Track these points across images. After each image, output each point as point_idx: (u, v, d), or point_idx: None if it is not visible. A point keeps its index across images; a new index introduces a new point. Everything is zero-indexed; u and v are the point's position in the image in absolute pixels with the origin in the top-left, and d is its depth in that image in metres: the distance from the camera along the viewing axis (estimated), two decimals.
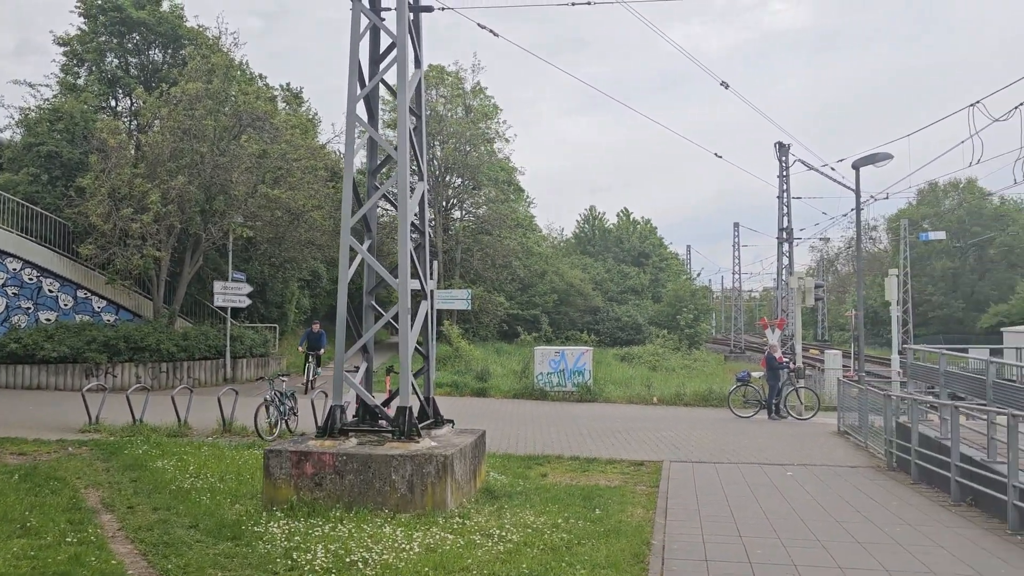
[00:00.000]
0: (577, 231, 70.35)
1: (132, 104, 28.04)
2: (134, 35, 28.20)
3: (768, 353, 20.84)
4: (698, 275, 78.46)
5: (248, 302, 25.55)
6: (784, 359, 21.14)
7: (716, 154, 59.32)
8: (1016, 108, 13.66)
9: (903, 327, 51.80)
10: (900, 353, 23.15)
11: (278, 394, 14.67)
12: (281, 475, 8.70)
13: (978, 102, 14.25)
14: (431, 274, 26.26)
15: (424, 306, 10.32)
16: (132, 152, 24.38)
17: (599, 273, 58.98)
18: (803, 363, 24.33)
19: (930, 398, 13.24)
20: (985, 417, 10.29)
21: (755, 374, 21.37)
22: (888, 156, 19.24)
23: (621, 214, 70.13)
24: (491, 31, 16.30)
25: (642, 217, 69.96)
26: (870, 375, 26.38)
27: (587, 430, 17.06)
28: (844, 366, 27.23)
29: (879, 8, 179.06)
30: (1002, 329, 44.00)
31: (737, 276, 67.42)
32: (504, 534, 7.62)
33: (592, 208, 69.80)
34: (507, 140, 49.44)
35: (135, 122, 27.37)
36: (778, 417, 19.90)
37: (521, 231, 51.44)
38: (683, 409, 22.26)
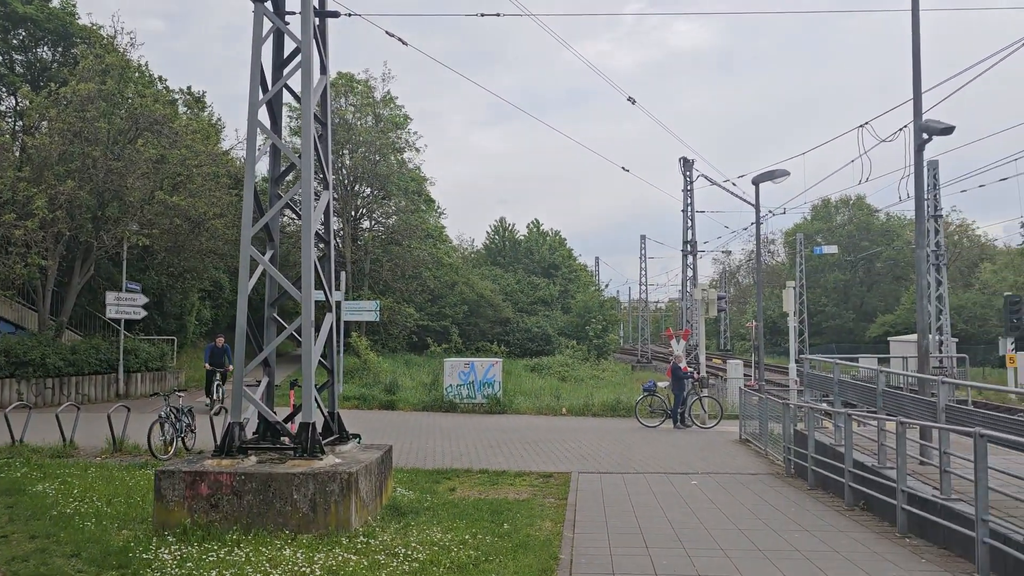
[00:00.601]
0: (488, 242, 70.45)
1: (17, 104, 26.48)
2: (20, 31, 26.67)
3: (673, 363, 21.27)
4: (606, 286, 79.87)
5: (144, 313, 24.42)
6: (689, 369, 21.62)
7: (624, 168, 60.76)
8: (901, 130, 14.39)
9: (799, 337, 53.93)
10: (797, 362, 24.01)
11: (174, 410, 14.00)
12: (174, 497, 8.26)
13: (866, 123, 14.96)
14: (338, 285, 25.76)
15: (329, 318, 10.03)
16: (16, 154, 22.98)
17: (509, 284, 59.17)
18: (707, 373, 24.96)
19: (825, 406, 13.74)
20: (875, 424, 10.73)
21: (661, 384, 21.78)
22: (785, 173, 19.98)
23: (531, 225, 70.62)
24: (400, 39, 16.14)
25: (552, 229, 70.65)
26: (770, 384, 27.31)
27: (497, 442, 16.99)
28: (745, 375, 28.11)
29: (772, 34, 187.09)
30: (889, 339, 46.44)
31: (644, 287, 68.96)
32: (410, 553, 7.44)
33: (503, 219, 70.15)
34: (417, 150, 49.16)
35: (20, 123, 25.85)
36: (683, 426, 20.31)
37: (431, 242, 51.12)
38: (592, 419, 22.47)
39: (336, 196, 42.80)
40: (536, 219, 73.15)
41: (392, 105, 47.56)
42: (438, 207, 56.47)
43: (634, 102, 21.40)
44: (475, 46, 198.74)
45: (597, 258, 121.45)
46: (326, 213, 10.36)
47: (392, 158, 45.36)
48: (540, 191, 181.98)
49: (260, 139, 9.61)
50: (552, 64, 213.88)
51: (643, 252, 67.85)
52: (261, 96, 9.57)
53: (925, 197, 34.43)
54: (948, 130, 11.15)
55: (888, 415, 10.57)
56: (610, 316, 56.92)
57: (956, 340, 39.86)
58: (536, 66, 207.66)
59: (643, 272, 67.82)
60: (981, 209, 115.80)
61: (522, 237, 69.33)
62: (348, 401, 23.52)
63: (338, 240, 42.81)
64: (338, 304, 25.26)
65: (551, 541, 8.31)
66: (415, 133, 48.97)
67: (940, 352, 33.78)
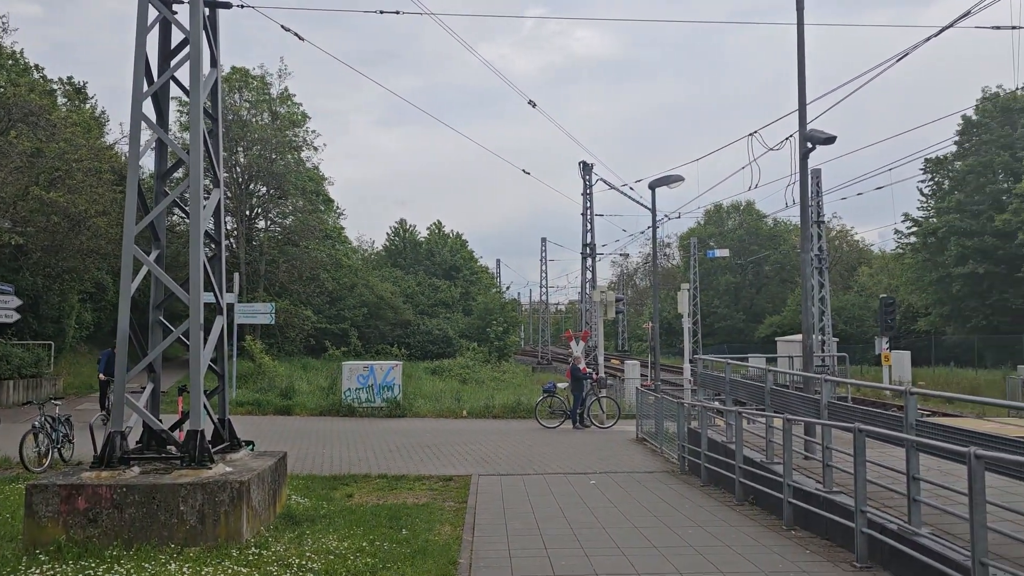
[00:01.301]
0: (388, 244, 69.71)
1: None
2: None
3: (572, 364, 21.55)
4: (507, 288, 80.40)
5: (17, 317, 22.88)
6: (588, 370, 21.94)
7: (524, 171, 61.25)
8: (787, 139, 15.02)
9: (693, 337, 55.67)
10: (691, 362, 24.73)
11: (49, 419, 13.16)
12: (47, 513, 7.74)
13: (755, 132, 15.55)
14: (230, 287, 24.87)
15: (219, 321, 9.63)
16: None
17: (410, 286, 58.70)
18: (605, 373, 25.41)
19: (717, 405, 14.19)
20: (764, 421, 11.13)
21: (560, 385, 22.03)
22: (680, 178, 20.55)
23: (433, 227, 70.32)
24: (296, 34, 15.71)
25: (454, 231, 70.54)
26: (665, 384, 28.04)
27: (396, 446, 16.78)
28: (642, 375, 28.76)
29: (668, 43, 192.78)
30: (776, 338, 48.54)
31: (545, 289, 69.65)
32: (304, 563, 7.21)
33: (403, 221, 69.54)
34: (315, 149, 48.15)
35: None
36: (582, 426, 20.59)
37: (330, 243, 50.17)
38: (492, 421, 22.49)
39: (229, 195, 41.38)
40: (438, 221, 72.79)
41: (289, 102, 46.43)
42: (337, 207, 55.50)
43: (535, 105, 21.59)
44: (376, 45, 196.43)
45: (499, 260, 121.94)
46: (217, 212, 9.96)
47: (289, 156, 44.28)
48: (442, 193, 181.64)
49: (146, 133, 9.15)
50: (454, 66, 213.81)
51: (544, 254, 68.62)
52: (146, 88, 9.11)
53: (809, 203, 36.17)
54: (830, 140, 11.70)
55: (776, 412, 10.98)
56: (511, 318, 57.27)
57: (837, 340, 42.01)
58: (438, 67, 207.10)
59: (544, 274, 68.72)
60: (859, 216, 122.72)
61: (423, 239, 68.96)
62: (241, 407, 22.76)
63: (231, 240, 41.42)
64: (230, 306, 24.41)
65: (450, 545, 8.24)
66: (313, 131, 47.86)
67: (823, 351, 35.50)
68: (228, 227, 43.13)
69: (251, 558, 7.34)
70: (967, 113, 51.21)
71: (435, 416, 23.38)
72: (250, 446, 10.31)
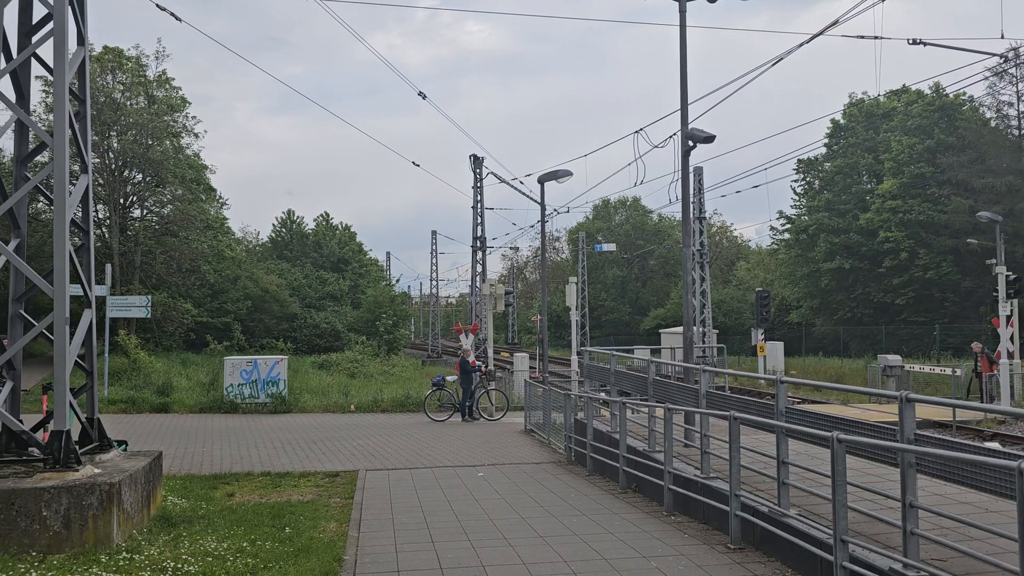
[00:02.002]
0: (274, 235, 67.78)
1: None
2: None
3: (462, 357, 21.59)
4: (398, 281, 79.52)
5: None
6: (477, 363, 22.03)
7: (414, 163, 60.68)
8: (671, 137, 15.52)
9: (581, 330, 56.82)
10: (578, 354, 25.20)
11: None
12: None
13: (641, 130, 15.97)
14: (101, 279, 23.56)
15: (88, 315, 9.11)
16: None
17: (297, 279, 57.30)
18: (494, 366, 25.59)
19: (603, 395, 14.53)
20: (647, 411, 11.48)
21: (449, 378, 22.03)
22: (568, 173, 20.85)
23: (320, 219, 68.84)
24: (173, 15, 14.97)
25: (342, 223, 69.31)
26: (553, 376, 28.48)
27: (281, 443, 16.37)
28: (531, 368, 29.12)
29: (558, 39, 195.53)
30: (660, 331, 50.13)
31: (435, 282, 69.42)
32: (180, 566, 6.93)
33: (290, 212, 67.71)
34: (196, 135, 46.26)
35: None
36: (471, 419, 20.67)
37: (212, 233, 48.31)
38: (381, 416, 22.28)
39: (100, 181, 39.18)
40: (326, 212, 71.47)
41: (168, 86, 44.37)
42: (220, 197, 53.48)
43: (425, 97, 21.44)
44: (262, 30, 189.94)
45: (388, 253, 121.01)
46: (85, 199, 9.39)
47: (167, 143, 42.32)
48: (330, 184, 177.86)
49: (5, 114, 8.53)
50: (343, 54, 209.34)
51: (434, 247, 68.36)
52: (4, 65, 8.49)
53: (692, 200, 37.51)
54: (709, 139, 12.15)
55: (658, 402, 11.34)
56: (401, 311, 56.81)
57: (717, 331, 43.80)
58: (327, 55, 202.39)
59: (434, 267, 68.34)
60: (738, 213, 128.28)
61: (311, 230, 67.44)
62: (114, 405, 21.66)
63: (103, 230, 39.28)
64: (102, 300, 23.13)
65: (336, 542, 8.10)
66: (194, 117, 45.95)
67: (703, 343, 36.93)
68: (99, 216, 40.84)
69: (122, 563, 6.99)
70: (836, 117, 54.41)
71: (322, 411, 22.95)
72: (122, 446, 9.81)
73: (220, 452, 15.01)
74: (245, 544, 7.80)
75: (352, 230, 68.98)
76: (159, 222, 44.01)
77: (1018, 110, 46.49)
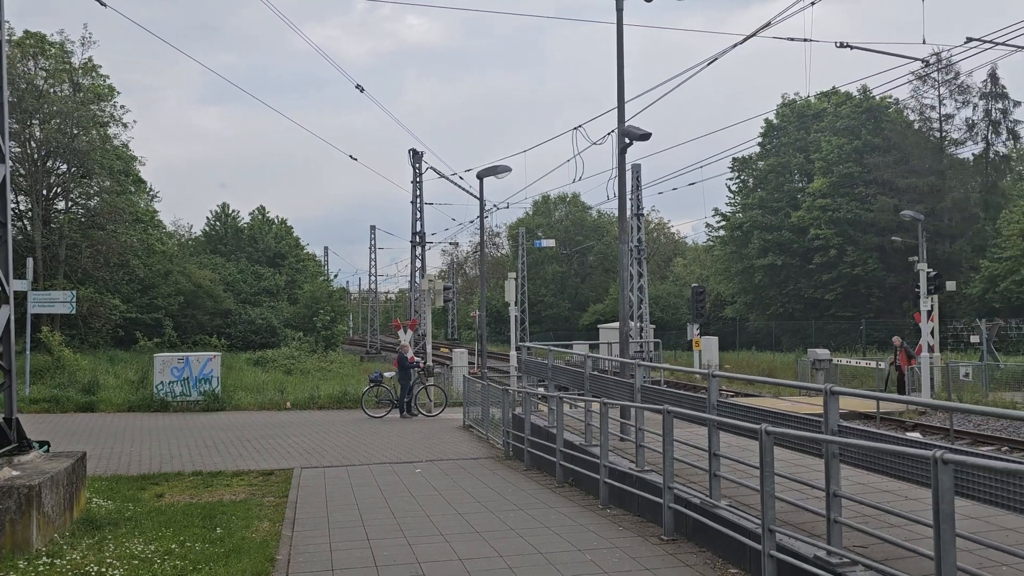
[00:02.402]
0: (208, 229, 66.18)
1: None
2: None
3: (400, 353, 21.44)
4: (335, 276, 78.67)
5: None
6: (416, 359, 21.91)
7: (352, 157, 59.85)
8: (609, 134, 15.65)
9: (521, 326, 57.04)
10: (517, 350, 25.27)
11: None
12: None
13: (580, 126, 16.05)
14: (22, 273, 22.65)
15: (5, 311, 8.74)
16: None
17: (231, 274, 56.11)
18: (433, 361, 25.49)
19: (541, 390, 14.60)
20: (583, 405, 11.58)
21: (387, 374, 21.85)
22: (507, 169, 20.88)
23: (256, 212, 67.49)
24: (98, 0, 14.45)
25: (278, 216, 68.05)
26: (492, 371, 28.49)
27: (214, 441, 16.01)
28: (470, 363, 29.10)
29: (498, 35, 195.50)
30: (599, 326, 50.65)
31: (374, 278, 68.76)
32: (104, 570, 6.71)
33: (225, 205, 66.18)
34: (125, 125, 44.81)
35: None
36: (409, 415, 20.55)
37: (142, 227, 46.92)
38: (318, 412, 21.98)
39: (21, 171, 37.67)
40: (262, 206, 69.96)
41: (94, 74, 42.88)
42: (150, 189, 51.91)
43: (363, 90, 21.18)
44: (194, 18, 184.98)
45: (326, 248, 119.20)
46: (2, 189, 9.00)
47: (94, 132, 40.89)
48: (266, 177, 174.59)
49: None
50: (280, 45, 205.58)
51: (373, 242, 67.60)
52: None
53: (629, 197, 37.87)
54: (645, 136, 12.30)
55: (594, 397, 11.44)
56: (339, 307, 56.15)
57: (654, 326, 44.45)
58: (262, 45, 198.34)
59: (373, 262, 67.74)
60: (675, 210, 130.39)
61: (246, 224, 66.07)
62: (36, 405, 20.88)
63: (24, 222, 37.77)
64: (22, 295, 22.25)
65: (268, 542, 7.96)
66: (122, 107, 44.39)
67: (641, 338, 37.43)
68: (20, 207, 39.26)
69: (41, 569, 6.74)
70: (769, 117, 55.74)
71: (257, 409, 22.53)
72: (44, 447, 9.45)
73: (149, 452, 14.60)
74: (174, 546, 7.61)
75: (289, 224, 67.86)
76: (85, 215, 42.54)
77: (940, 113, 48.34)
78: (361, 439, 16.42)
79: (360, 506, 9.85)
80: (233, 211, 66.29)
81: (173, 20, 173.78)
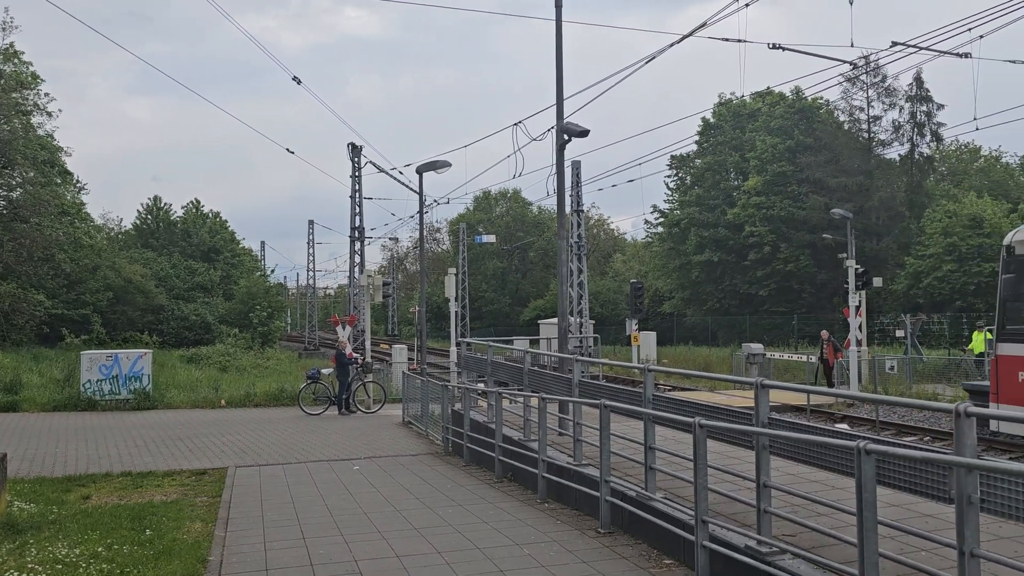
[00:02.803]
0: (139, 222, 64.32)
1: None
2: None
3: (338, 349, 21.20)
4: (273, 271, 77.37)
5: None
6: (354, 355, 21.68)
7: (288, 150, 59.08)
8: (548, 130, 15.72)
9: (462, 321, 56.92)
10: (457, 345, 25.22)
11: None
12: None
13: (520, 122, 16.10)
14: None
15: None
16: None
17: (164, 268, 54.64)
18: (372, 357, 25.24)
19: (481, 386, 14.60)
20: (522, 401, 11.62)
21: (325, 371, 21.57)
22: (447, 164, 20.81)
23: (190, 206, 65.87)
24: None
25: (213, 210, 66.56)
26: (433, 367, 28.37)
27: (144, 441, 15.58)
28: (410, 359, 28.91)
29: (437, 29, 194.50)
30: (539, 321, 50.89)
31: (312, 273, 67.81)
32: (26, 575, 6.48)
33: (157, 198, 64.39)
34: (49, 114, 43.16)
35: None
36: (348, 412, 20.33)
37: (68, 220, 45.30)
38: (253, 410, 21.59)
39: None
40: (196, 199, 68.08)
41: (16, 60, 41.21)
42: (77, 181, 50.20)
43: (300, 82, 20.84)
44: (123, 4, 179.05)
45: (263, 242, 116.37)
46: None
47: (16, 121, 39.27)
48: (200, 170, 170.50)
49: None
50: (215, 35, 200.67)
51: (311, 237, 66.57)
52: None
53: (569, 193, 38.16)
54: (584, 133, 12.39)
55: (533, 392, 11.49)
56: (276, 302, 55.23)
57: (594, 322, 44.87)
58: (197, 35, 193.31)
59: (311, 257, 66.62)
60: (615, 206, 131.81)
61: (179, 218, 64.42)
62: None
63: None
64: None
65: (200, 543, 7.79)
66: (47, 95, 42.78)
67: (581, 333, 37.74)
68: None
69: None
70: (706, 116, 56.73)
71: (190, 407, 22.01)
72: None
73: (75, 452, 14.12)
74: (100, 549, 7.38)
75: (224, 218, 66.46)
76: (7, 207, 40.84)
77: (868, 115, 49.90)
78: (298, 437, 16.18)
79: (296, 505, 9.71)
80: (165, 204, 64.62)
81: (104, 7, 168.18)
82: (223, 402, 22.56)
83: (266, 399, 22.87)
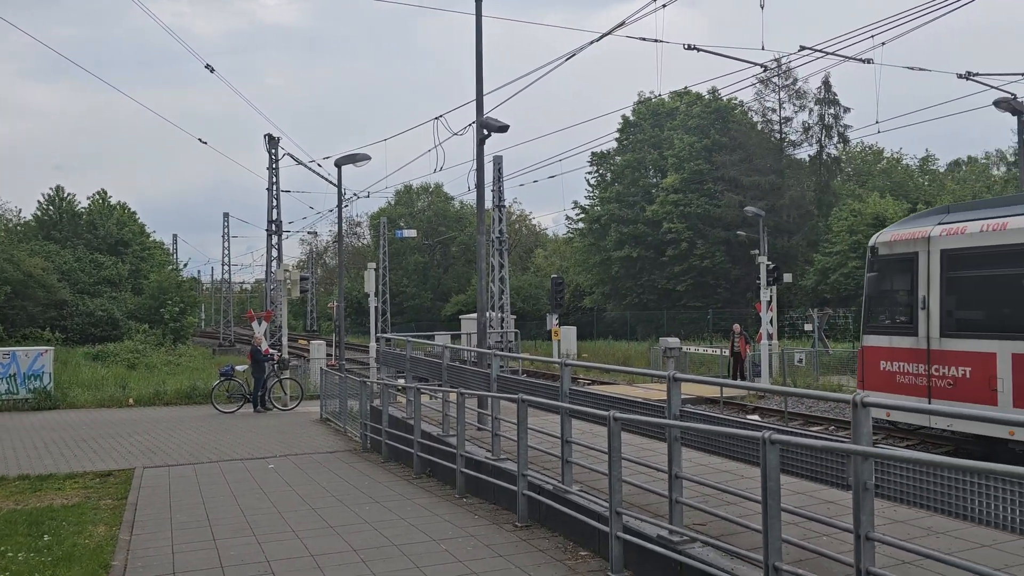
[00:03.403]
0: (39, 213, 61.25)
1: None
2: None
3: (253, 346, 20.70)
4: (185, 265, 74.71)
5: None
6: (271, 351, 21.21)
7: (201, 140, 57.33)
8: (469, 125, 15.67)
9: (383, 316, 56.36)
10: (376, 341, 24.97)
11: None
12: None
13: (441, 116, 16.00)
14: None
15: None
16: None
17: (67, 262, 52.23)
18: (289, 354, 24.75)
19: (400, 382, 14.48)
20: (441, 396, 11.57)
21: (239, 368, 21.03)
22: (367, 157, 20.53)
23: (96, 197, 63.13)
24: None
25: (121, 202, 63.97)
26: (352, 363, 28.02)
27: (44, 442, 14.89)
28: (328, 355, 28.47)
29: (356, 21, 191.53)
30: (461, 316, 50.83)
31: (227, 267, 65.98)
32: None
33: (59, 188, 61.39)
34: None
35: None
36: (264, 409, 19.88)
37: None
38: (164, 409, 20.89)
39: None
40: (102, 190, 65.25)
41: None
42: None
43: (213, 70, 20.21)
44: None
45: (175, 235, 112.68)
46: None
47: None
48: (107, 160, 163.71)
49: None
50: (123, 20, 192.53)
51: (226, 231, 64.69)
52: None
53: (491, 188, 38.20)
54: (503, 128, 12.41)
55: (452, 387, 11.45)
56: (189, 297, 53.51)
57: (515, 317, 45.08)
58: (104, 19, 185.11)
59: (226, 251, 64.74)
60: (537, 202, 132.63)
61: (83, 209, 61.69)
62: None
63: None
64: None
65: (103, 548, 7.49)
66: None
67: (503, 328, 37.86)
68: None
69: None
70: (626, 113, 57.62)
71: (95, 406, 21.13)
72: None
73: None
74: None
75: (132, 210, 63.97)
76: None
77: (780, 116, 51.60)
78: (211, 436, 15.73)
79: (207, 505, 9.44)
80: (69, 195, 61.73)
81: None
82: (131, 401, 21.75)
83: (178, 397, 22.16)
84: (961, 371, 11.48)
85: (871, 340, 13.28)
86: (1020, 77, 22.07)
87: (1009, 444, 11.34)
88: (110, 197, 63.42)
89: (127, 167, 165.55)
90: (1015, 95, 18.48)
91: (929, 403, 11.56)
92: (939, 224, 12.18)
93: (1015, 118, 19.82)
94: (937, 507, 4.20)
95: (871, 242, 13.72)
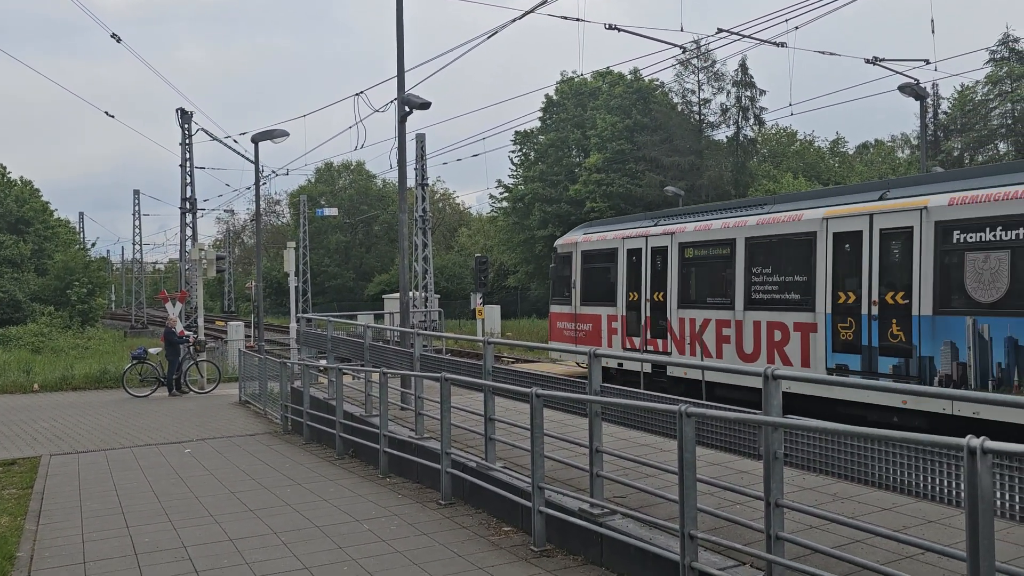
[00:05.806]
0: None
1: None
2: None
3: (168, 327, 20.07)
4: (93, 245, 71.81)
5: None
6: (186, 333, 20.60)
7: (108, 113, 54.93)
8: (391, 102, 15.41)
9: (304, 296, 55.33)
10: (297, 321, 24.54)
11: None
12: None
13: (362, 92, 15.70)
14: None
15: None
16: None
17: None
18: (205, 335, 24.06)
19: (322, 363, 14.27)
20: (363, 376, 11.46)
21: (153, 350, 20.35)
22: (285, 133, 20.02)
23: None
24: None
25: (21, 178, 60.71)
26: (272, 344, 27.45)
27: None
28: (247, 336, 27.83)
29: None
30: (383, 296, 50.36)
31: (139, 247, 63.72)
32: None
33: None
34: None
35: None
36: (179, 393, 19.32)
37: None
38: (72, 394, 20.09)
39: None
40: (2, 165, 61.88)
41: None
42: None
43: (119, 40, 19.34)
44: None
45: (82, 213, 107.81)
46: None
47: None
48: (7, 134, 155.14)
49: None
50: None
51: (137, 208, 62.31)
52: None
53: (414, 166, 37.80)
54: (425, 105, 12.26)
55: (375, 367, 11.36)
56: (98, 278, 51.36)
57: (439, 296, 44.93)
58: None
59: (137, 230, 62.46)
60: (460, 181, 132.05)
61: None
62: None
63: None
64: None
65: (8, 538, 7.18)
66: None
67: (427, 307, 37.67)
68: None
69: None
70: (549, 92, 57.74)
71: None
72: None
73: None
74: None
75: (35, 187, 60.83)
76: None
77: (699, 98, 52.59)
78: (123, 421, 15.22)
79: (120, 492, 9.15)
80: None
81: None
82: (36, 386, 20.84)
83: (87, 382, 21.34)
84: (589, 325, 17.09)
85: (553, 308, 18.69)
86: (923, 63, 23.06)
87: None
88: (9, 173, 60.17)
89: (28, 142, 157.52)
90: (918, 80, 19.31)
91: (576, 346, 16.37)
92: (583, 234, 18.14)
93: (918, 103, 20.72)
94: (841, 473, 4.40)
95: (556, 244, 19.16)
